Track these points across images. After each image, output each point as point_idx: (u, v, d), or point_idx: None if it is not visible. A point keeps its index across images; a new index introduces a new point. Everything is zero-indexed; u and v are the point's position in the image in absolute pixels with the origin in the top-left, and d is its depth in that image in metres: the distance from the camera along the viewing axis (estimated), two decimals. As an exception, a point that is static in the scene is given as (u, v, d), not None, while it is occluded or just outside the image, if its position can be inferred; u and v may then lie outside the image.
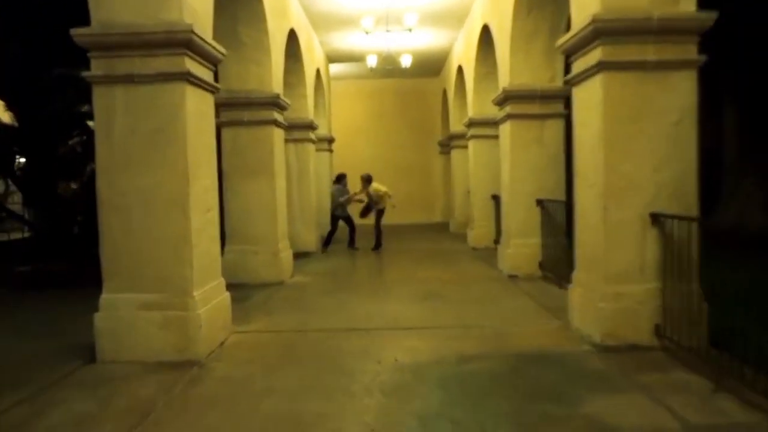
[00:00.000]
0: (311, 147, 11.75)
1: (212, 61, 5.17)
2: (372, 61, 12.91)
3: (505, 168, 8.30)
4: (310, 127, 11.50)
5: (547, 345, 4.84)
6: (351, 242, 11.94)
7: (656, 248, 4.58)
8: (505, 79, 8.07)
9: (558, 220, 7.41)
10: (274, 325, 5.79)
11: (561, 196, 7.82)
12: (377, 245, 11.65)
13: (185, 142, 4.63)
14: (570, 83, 5.22)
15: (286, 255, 8.51)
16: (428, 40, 13.18)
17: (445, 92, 16.23)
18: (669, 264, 4.48)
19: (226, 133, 8.18)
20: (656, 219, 4.56)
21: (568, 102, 7.89)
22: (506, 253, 8.23)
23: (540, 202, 7.86)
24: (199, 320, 4.63)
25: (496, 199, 10.66)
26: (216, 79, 8.03)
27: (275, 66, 8.28)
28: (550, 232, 7.57)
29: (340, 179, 12.06)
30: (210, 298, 4.93)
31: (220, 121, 8.12)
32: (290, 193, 10.91)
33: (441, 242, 12.96)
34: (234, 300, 5.82)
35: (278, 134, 8.45)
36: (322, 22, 11.75)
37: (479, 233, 11.42)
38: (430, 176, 18.54)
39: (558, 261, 7.32)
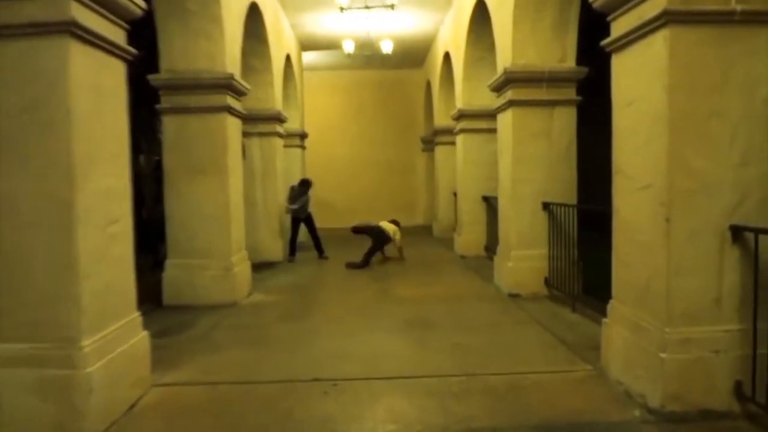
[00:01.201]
0: (279, 142, 10.33)
1: (121, 15, 3.70)
2: (349, 47, 11.51)
3: (505, 165, 6.97)
4: (278, 119, 10.07)
5: (582, 408, 3.49)
6: (320, 250, 10.42)
7: (738, 274, 3.28)
8: (505, 58, 6.72)
9: (569, 227, 6.18)
10: (213, 370, 4.35)
11: (572, 198, 6.57)
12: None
13: (69, 124, 3.19)
14: (609, 48, 3.88)
15: (242, 269, 7.05)
16: (411, 23, 11.82)
17: (429, 84, 14.90)
18: (756, 296, 3.18)
19: (168, 122, 6.74)
20: (739, 233, 3.26)
21: (580, 87, 6.66)
22: (505, 267, 6.89)
23: (547, 206, 6.56)
24: (89, 382, 3.19)
25: (487, 201, 9.43)
26: (154, 54, 6.72)
27: (230, 41, 6.84)
28: (560, 242, 6.30)
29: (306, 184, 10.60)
30: (113, 346, 3.49)
31: (160, 107, 6.72)
32: (253, 194, 9.54)
33: (424, 248, 11.57)
34: (169, 331, 4.47)
35: (233, 124, 7.00)
36: (291, 1, 10.33)
37: (468, 239, 10.10)
38: (412, 175, 17.14)
39: (569, 277, 6.08)
